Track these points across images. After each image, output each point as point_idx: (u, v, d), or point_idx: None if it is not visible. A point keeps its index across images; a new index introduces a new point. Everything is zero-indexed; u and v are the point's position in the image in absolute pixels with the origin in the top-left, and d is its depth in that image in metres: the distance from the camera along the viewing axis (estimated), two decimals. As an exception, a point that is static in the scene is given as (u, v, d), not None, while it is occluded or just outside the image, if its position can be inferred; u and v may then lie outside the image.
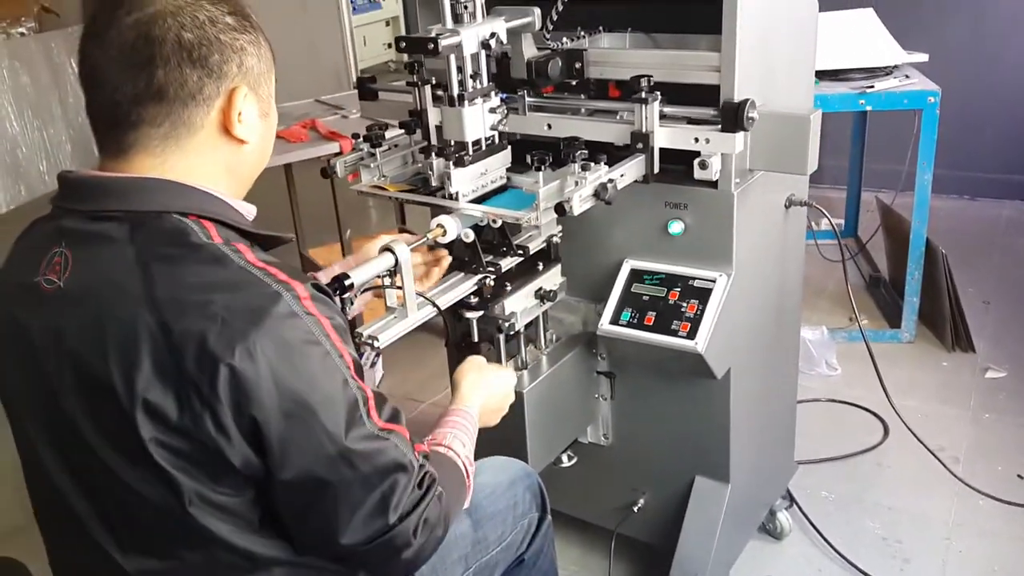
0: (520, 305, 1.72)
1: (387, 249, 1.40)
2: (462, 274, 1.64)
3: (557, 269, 1.81)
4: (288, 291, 1.02)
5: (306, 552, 1.13)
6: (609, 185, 1.52)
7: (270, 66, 1.16)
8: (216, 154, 1.11)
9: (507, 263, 1.67)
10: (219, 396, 0.97)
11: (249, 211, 1.17)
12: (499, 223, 1.62)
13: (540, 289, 1.77)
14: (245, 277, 1.02)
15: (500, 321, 1.68)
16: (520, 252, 1.69)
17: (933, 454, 2.42)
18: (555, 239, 1.78)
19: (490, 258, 1.66)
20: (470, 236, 1.61)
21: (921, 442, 2.39)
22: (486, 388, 1.52)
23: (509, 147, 1.72)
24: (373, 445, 1.06)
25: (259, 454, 1.02)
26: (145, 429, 0.99)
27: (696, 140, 1.60)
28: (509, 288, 1.69)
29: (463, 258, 1.65)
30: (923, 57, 3.16)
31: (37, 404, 1.10)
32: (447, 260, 1.65)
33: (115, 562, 1.10)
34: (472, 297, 1.64)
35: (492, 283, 1.64)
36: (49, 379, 1.06)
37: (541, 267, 1.77)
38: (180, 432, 1.00)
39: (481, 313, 1.66)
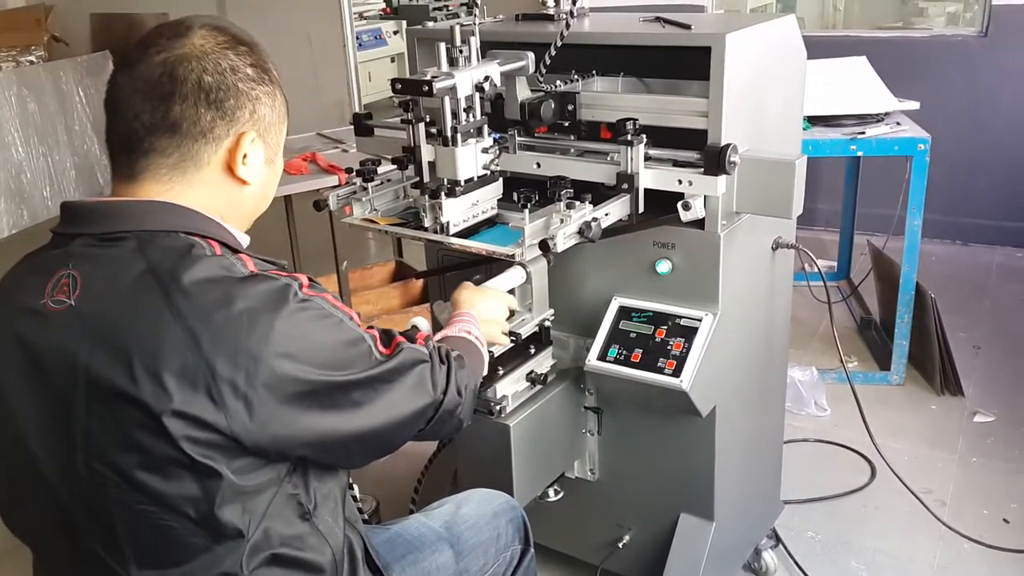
0: (511, 389, 1.76)
1: None
2: None
3: (548, 352, 1.86)
4: (294, 281, 1.14)
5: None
6: (593, 223, 1.56)
7: (282, 118, 1.26)
8: (218, 190, 1.19)
9: (499, 349, 1.71)
10: (256, 388, 1.06)
11: (244, 240, 1.25)
12: None
13: (531, 372, 1.81)
14: (253, 279, 1.11)
15: (492, 404, 1.72)
16: (513, 338, 1.73)
17: (917, 498, 2.43)
18: (547, 323, 1.83)
19: None
20: None
21: (906, 485, 2.40)
22: (481, 297, 1.63)
23: (500, 179, 1.76)
24: (392, 363, 1.21)
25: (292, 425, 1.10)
26: (176, 428, 1.04)
27: (680, 182, 1.64)
28: (501, 372, 1.73)
29: None
30: (914, 105, 3.22)
31: (46, 425, 1.12)
32: None
33: None
34: None
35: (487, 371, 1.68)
36: (62, 398, 1.09)
37: (533, 350, 1.82)
38: (211, 427, 1.05)
39: None
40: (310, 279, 1.18)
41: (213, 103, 1.15)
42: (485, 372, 1.54)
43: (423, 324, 1.58)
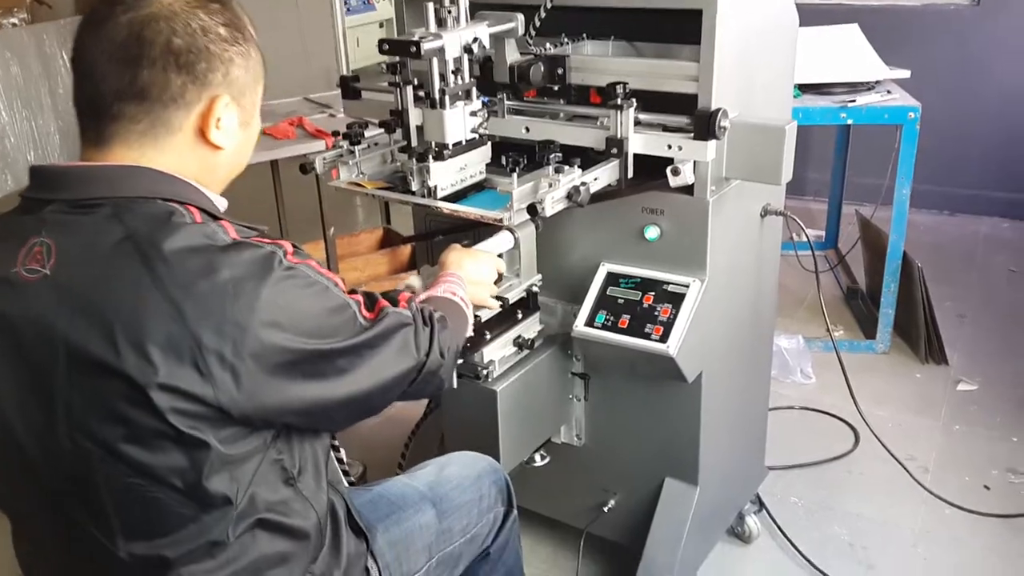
0: (498, 353, 1.76)
1: None
2: None
3: (536, 317, 1.85)
4: (278, 249, 1.11)
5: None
6: (582, 188, 1.55)
7: (258, 78, 1.20)
8: (192, 155, 1.15)
9: (487, 314, 1.70)
10: (243, 358, 1.03)
11: (222, 204, 1.21)
12: None
13: (519, 337, 1.80)
14: (236, 247, 1.08)
15: (479, 369, 1.71)
16: (500, 303, 1.72)
17: (901, 464, 2.46)
18: (534, 288, 1.82)
19: None
20: None
21: (889, 452, 2.43)
22: (470, 259, 1.62)
23: (489, 143, 1.75)
24: (377, 329, 1.20)
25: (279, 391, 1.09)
26: (162, 401, 1.02)
27: (669, 147, 1.63)
28: (488, 337, 1.73)
29: None
30: (905, 73, 3.21)
31: (24, 397, 1.09)
32: None
33: (109, 551, 1.11)
34: None
35: (472, 332, 1.67)
36: (40, 370, 1.06)
37: (520, 315, 1.81)
38: (198, 399, 1.03)
39: (461, 361, 1.68)
40: (294, 246, 1.15)
41: (183, 67, 1.09)
42: (469, 333, 1.54)
43: (417, 284, 1.57)
